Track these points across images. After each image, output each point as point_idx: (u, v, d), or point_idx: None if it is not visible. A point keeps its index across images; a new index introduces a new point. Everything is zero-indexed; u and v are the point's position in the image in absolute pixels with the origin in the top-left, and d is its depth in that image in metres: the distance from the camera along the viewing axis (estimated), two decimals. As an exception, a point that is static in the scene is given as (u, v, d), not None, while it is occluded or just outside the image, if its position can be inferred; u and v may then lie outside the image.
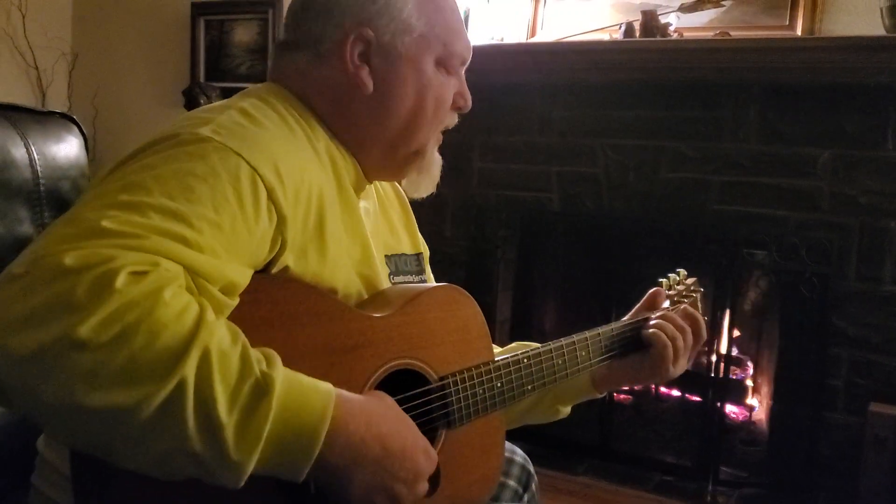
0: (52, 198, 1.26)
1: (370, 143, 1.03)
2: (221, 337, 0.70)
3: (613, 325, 1.25)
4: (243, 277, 0.78)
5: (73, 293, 0.64)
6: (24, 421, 1.10)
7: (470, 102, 1.09)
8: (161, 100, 3.63)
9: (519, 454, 1.34)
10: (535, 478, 1.35)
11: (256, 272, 0.83)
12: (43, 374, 0.64)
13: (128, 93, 3.73)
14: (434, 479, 0.94)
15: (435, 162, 1.10)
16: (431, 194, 1.14)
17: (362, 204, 1.06)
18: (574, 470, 2.74)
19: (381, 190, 1.20)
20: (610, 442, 2.83)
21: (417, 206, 1.24)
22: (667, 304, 1.32)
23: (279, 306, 0.83)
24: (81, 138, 1.36)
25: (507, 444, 1.32)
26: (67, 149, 1.31)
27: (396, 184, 1.25)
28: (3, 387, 0.66)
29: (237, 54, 3.46)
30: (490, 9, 2.89)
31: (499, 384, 1.05)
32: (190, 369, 0.66)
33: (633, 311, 1.32)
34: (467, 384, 1.01)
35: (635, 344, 1.24)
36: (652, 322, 1.24)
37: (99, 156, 3.54)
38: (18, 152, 1.22)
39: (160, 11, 3.64)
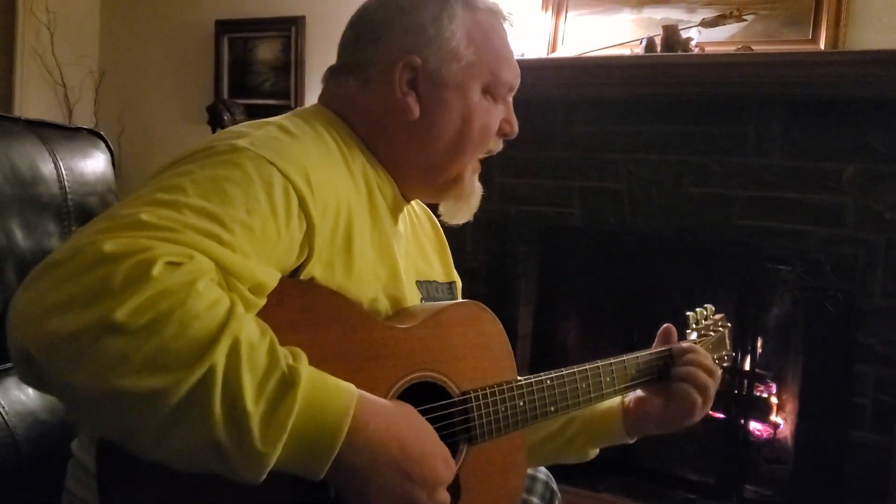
0: (80, 212, 1.28)
1: (408, 166, 1.05)
2: (251, 330, 0.71)
3: (638, 353, 1.24)
4: (272, 279, 0.80)
5: (112, 279, 0.66)
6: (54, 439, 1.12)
7: (516, 129, 1.11)
8: (185, 116, 3.68)
9: (542, 471, 1.34)
10: (559, 495, 1.35)
11: (284, 276, 0.84)
12: (78, 356, 0.65)
13: (153, 110, 3.77)
14: (455, 494, 0.94)
15: (475, 191, 1.12)
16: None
17: (398, 227, 1.08)
18: (596, 487, 2.72)
19: (416, 217, 1.21)
20: (633, 459, 2.81)
21: (438, 219, 1.25)
22: (694, 335, 1.33)
23: (305, 311, 0.85)
24: (108, 154, 1.38)
25: (531, 461, 1.32)
26: (95, 164, 1.34)
27: (431, 213, 1.26)
28: (39, 369, 0.68)
29: (261, 71, 3.50)
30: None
31: (521, 403, 1.05)
32: (220, 357, 0.67)
33: (654, 345, 1.30)
34: (489, 400, 1.01)
35: (660, 374, 1.24)
36: (680, 371, 1.22)
37: (124, 172, 3.58)
38: (47, 168, 1.24)
39: (185, 30, 3.69)
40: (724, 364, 1.38)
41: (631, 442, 1.27)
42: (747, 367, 2.65)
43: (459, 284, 1.27)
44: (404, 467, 0.79)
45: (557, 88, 2.76)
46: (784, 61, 2.39)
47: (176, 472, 0.71)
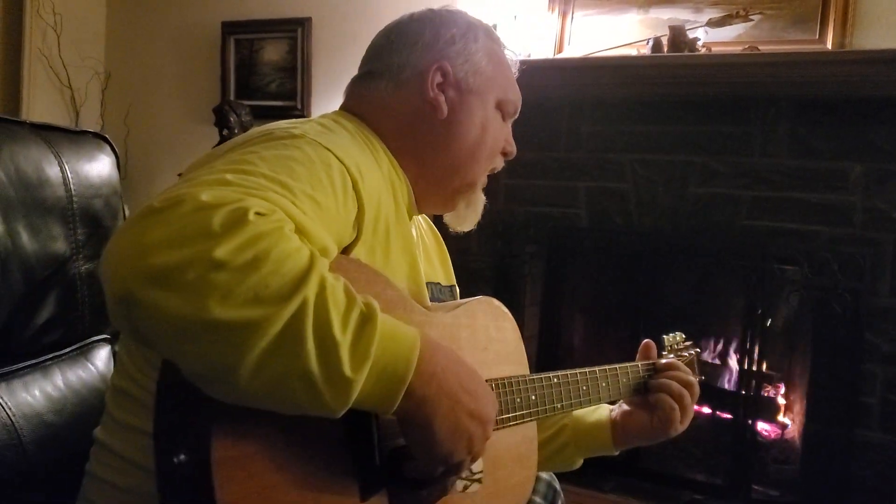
0: (86, 215, 1.28)
1: (430, 166, 1.13)
2: (328, 272, 0.77)
3: (629, 364, 1.31)
4: (333, 248, 0.85)
5: (211, 223, 0.71)
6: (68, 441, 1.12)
7: (515, 150, 1.23)
8: (192, 118, 3.69)
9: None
10: (562, 495, 1.35)
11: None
12: (180, 289, 0.69)
13: (159, 111, 3.78)
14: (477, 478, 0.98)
15: (480, 199, 1.22)
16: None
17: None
18: (602, 487, 2.71)
19: (419, 225, 1.27)
20: (638, 459, 2.80)
21: (443, 221, 1.27)
22: (672, 357, 1.40)
23: (357, 284, 0.87)
24: (114, 157, 1.38)
25: (533, 462, 1.33)
26: (100, 167, 1.34)
27: (430, 221, 1.34)
28: (138, 309, 0.70)
29: (267, 72, 3.51)
30: (517, 25, 2.90)
31: (533, 397, 1.11)
32: (311, 292, 0.73)
33: (636, 359, 1.37)
34: (506, 390, 1.07)
35: (645, 387, 1.31)
36: (655, 382, 1.30)
37: (130, 174, 3.59)
38: (52, 171, 1.24)
39: (191, 31, 3.69)
40: None
41: (615, 454, 1.34)
42: (754, 367, 2.64)
43: (457, 290, 1.33)
44: (463, 400, 0.86)
45: (563, 89, 2.76)
46: (791, 61, 2.39)
47: (235, 412, 0.74)
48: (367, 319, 0.76)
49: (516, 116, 1.23)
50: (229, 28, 3.55)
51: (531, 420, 1.12)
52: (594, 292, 3.07)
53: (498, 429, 1.02)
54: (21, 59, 3.52)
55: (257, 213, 0.73)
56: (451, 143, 1.13)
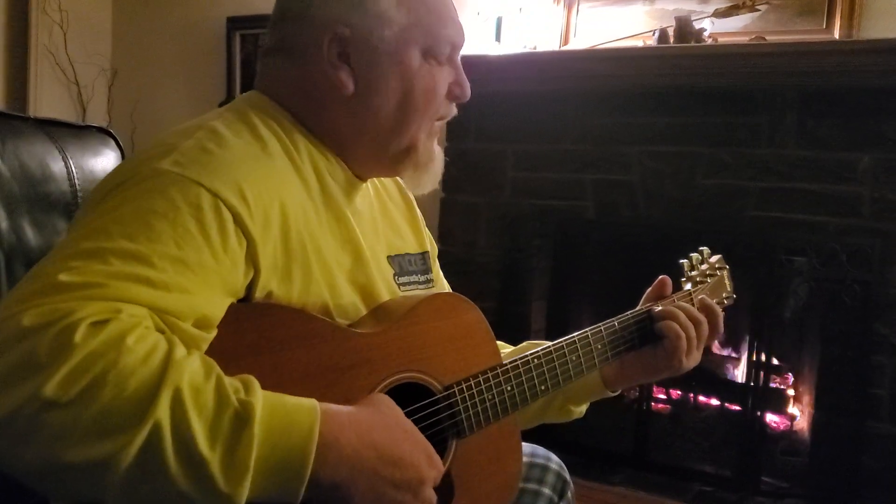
0: (90, 210, 1.28)
1: (354, 143, 0.99)
2: (193, 372, 0.69)
3: (626, 314, 1.19)
4: (217, 309, 0.77)
5: (36, 353, 0.64)
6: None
7: (467, 91, 1.03)
8: (198, 113, 3.64)
9: (554, 461, 1.32)
10: (571, 485, 1.32)
11: (239, 301, 0.82)
12: (19, 437, 0.64)
13: (166, 107, 3.79)
14: (448, 491, 0.93)
15: (434, 157, 1.05)
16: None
17: (358, 205, 1.04)
18: (610, 480, 2.71)
19: (383, 188, 1.17)
20: (647, 452, 2.80)
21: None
22: (689, 286, 1.29)
23: (265, 333, 0.82)
24: (118, 152, 1.38)
25: (542, 451, 1.30)
26: (105, 162, 1.34)
27: (400, 180, 1.21)
28: None
29: (272, 67, 3.50)
30: (522, 17, 2.89)
31: (509, 388, 1.02)
32: (163, 411, 0.65)
33: (642, 299, 1.26)
34: (474, 391, 0.99)
35: (649, 335, 1.19)
36: (661, 310, 1.19)
37: (138, 169, 3.59)
38: (57, 166, 1.24)
39: (197, 27, 3.70)
40: (727, 303, 1.35)
41: (613, 395, 1.24)
42: (763, 358, 2.64)
43: (434, 251, 1.23)
44: (384, 474, 0.78)
45: (569, 81, 2.75)
46: (798, 51, 2.38)
47: None
48: (243, 422, 0.68)
49: (461, 51, 1.03)
50: (235, 23, 3.55)
51: (510, 413, 1.03)
52: (601, 285, 3.06)
53: (467, 437, 0.98)
54: (27, 56, 3.53)
55: (91, 325, 0.66)
56: (369, 118, 0.97)
